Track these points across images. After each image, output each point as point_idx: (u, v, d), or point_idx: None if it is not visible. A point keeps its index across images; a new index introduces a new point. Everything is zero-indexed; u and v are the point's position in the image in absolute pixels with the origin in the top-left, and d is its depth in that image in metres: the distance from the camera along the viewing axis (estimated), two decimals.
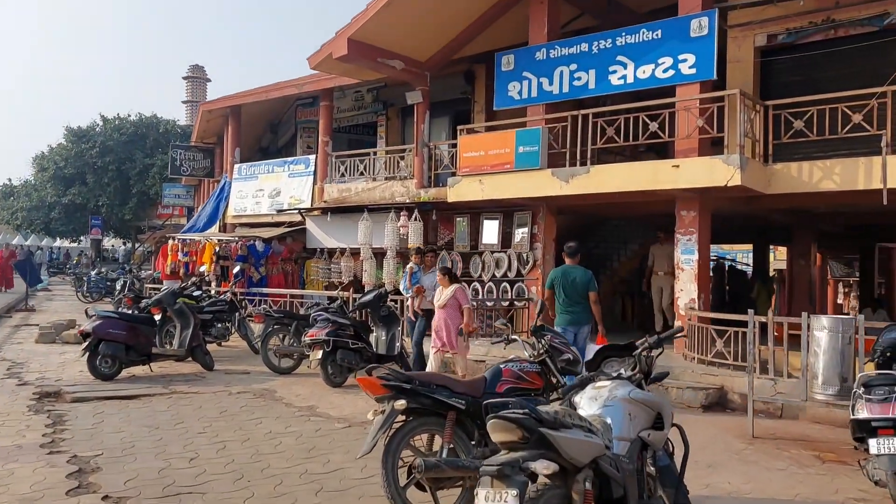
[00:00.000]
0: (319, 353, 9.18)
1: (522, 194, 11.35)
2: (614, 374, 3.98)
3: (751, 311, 8.01)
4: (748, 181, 9.34)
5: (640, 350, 4.04)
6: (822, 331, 6.53)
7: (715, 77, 10.29)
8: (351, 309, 10.67)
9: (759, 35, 11.60)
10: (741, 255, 28.58)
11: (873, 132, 9.24)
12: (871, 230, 16.26)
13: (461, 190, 12.10)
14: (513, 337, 5.55)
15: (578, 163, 10.85)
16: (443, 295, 8.68)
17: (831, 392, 6.42)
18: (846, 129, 9.37)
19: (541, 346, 5.16)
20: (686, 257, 10.54)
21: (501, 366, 4.97)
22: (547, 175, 10.98)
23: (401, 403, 4.42)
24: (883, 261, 19.29)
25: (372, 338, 9.89)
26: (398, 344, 9.86)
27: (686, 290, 10.50)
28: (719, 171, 9.34)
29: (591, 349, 9.14)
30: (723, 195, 10.39)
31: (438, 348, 8.62)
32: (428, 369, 8.57)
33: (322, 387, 9.25)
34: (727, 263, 21.28)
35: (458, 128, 12.57)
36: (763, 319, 7.61)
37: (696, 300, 10.39)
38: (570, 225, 13.77)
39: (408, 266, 11.02)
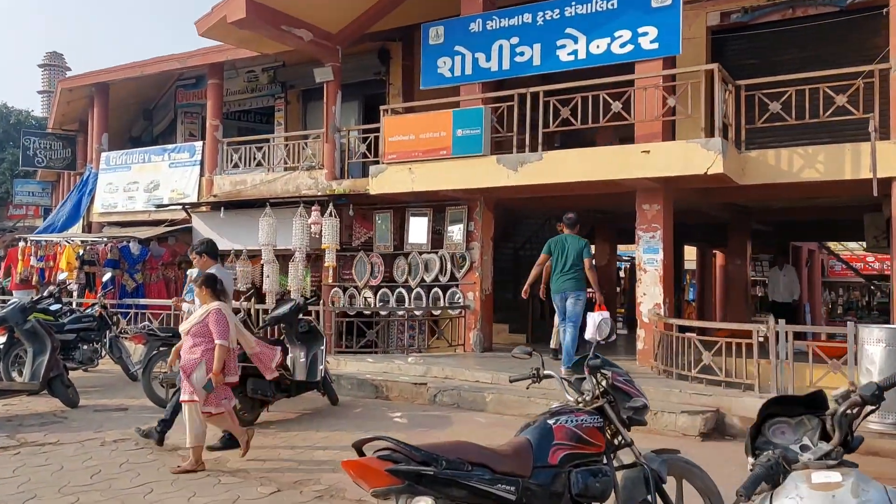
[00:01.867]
0: None
1: (462, 185, 9.73)
2: (799, 448, 2.39)
3: (773, 321, 6.82)
4: (729, 169, 8.18)
5: (841, 409, 2.41)
6: (876, 344, 5.33)
7: (681, 52, 9.11)
8: (259, 325, 8.68)
9: (712, 13, 10.63)
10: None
11: (859, 115, 8.33)
12: (795, 227, 15.93)
13: (386, 180, 10.33)
14: (547, 372, 3.82)
15: (528, 149, 9.37)
16: (192, 316, 6.28)
17: (891, 421, 5.21)
18: (829, 112, 8.40)
19: (598, 387, 3.52)
20: (649, 257, 9.29)
21: (551, 422, 3.30)
22: (491, 163, 9.42)
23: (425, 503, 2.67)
24: (793, 259, 19.25)
25: (288, 360, 7.94)
26: (321, 367, 7.97)
27: (650, 294, 9.25)
28: (698, 158, 8.12)
29: (591, 317, 8.02)
30: (688, 186, 9.23)
31: (187, 399, 5.77)
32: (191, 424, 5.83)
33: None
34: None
35: (382, 108, 10.78)
36: (782, 328, 6.34)
37: (662, 305, 9.16)
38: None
39: (188, 271, 9.07)
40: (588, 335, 9.44)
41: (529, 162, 9.12)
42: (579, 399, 3.59)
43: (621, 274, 21.42)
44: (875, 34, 9.73)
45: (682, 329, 8.50)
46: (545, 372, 3.79)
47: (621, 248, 19.31)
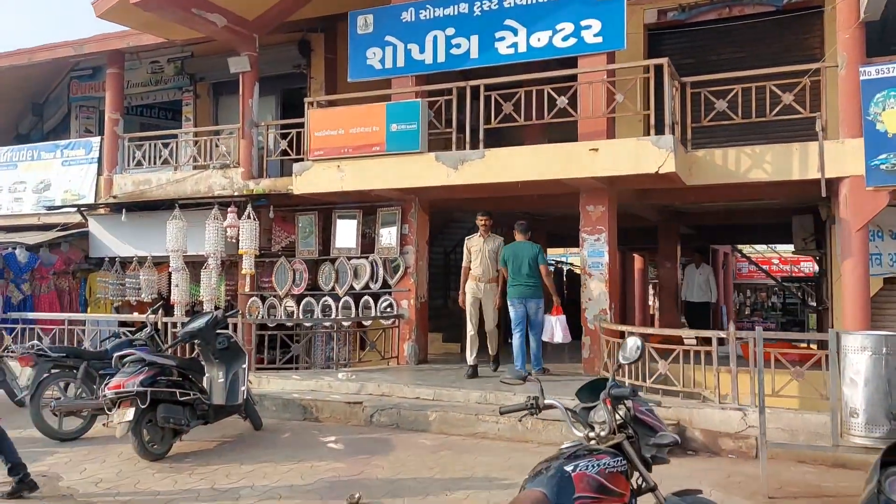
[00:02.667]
0: (130, 413, 6.13)
1: (398, 184, 9.00)
2: None
3: (732, 327, 6.43)
4: (679, 169, 7.82)
5: None
6: (860, 352, 4.97)
7: (626, 47, 8.71)
8: (170, 342, 7.69)
9: (649, 10, 10.37)
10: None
11: (806, 114, 8.15)
12: (720, 231, 16.03)
13: (312, 179, 9.47)
14: (549, 402, 3.13)
15: (468, 146, 8.74)
16: None
17: (878, 434, 4.86)
18: (775, 110, 8.18)
19: (616, 418, 2.87)
20: (594, 260, 8.84)
21: (569, 469, 2.63)
22: (429, 161, 8.74)
23: None
24: (710, 262, 19.50)
25: (205, 381, 6.99)
26: (243, 388, 7.06)
27: (595, 300, 8.80)
28: (649, 156, 7.71)
29: (549, 320, 8.46)
30: (633, 187, 8.86)
31: None
32: None
33: (134, 462, 6.22)
34: (565, 268, 20.43)
35: (307, 100, 9.90)
36: (759, 335, 5.88)
37: (608, 311, 8.73)
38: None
39: None
40: (544, 337, 9.00)
41: (470, 160, 8.50)
42: (590, 434, 2.94)
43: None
44: (811, 34, 9.69)
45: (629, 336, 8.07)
46: (546, 401, 3.13)
47: (552, 252, 19.11)
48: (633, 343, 3.22)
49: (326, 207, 10.51)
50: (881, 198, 7.55)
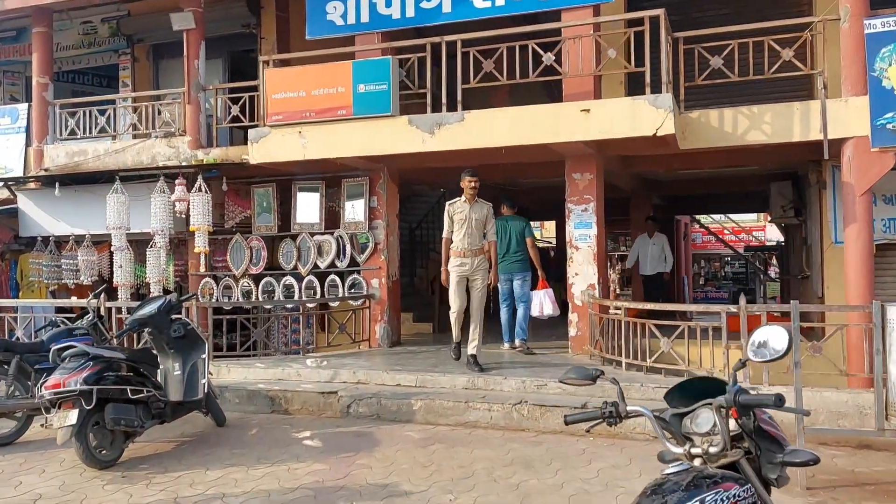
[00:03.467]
0: (73, 416, 5.26)
1: (367, 151, 8.20)
2: None
3: (743, 300, 5.93)
4: (678, 130, 7.24)
5: None
6: None
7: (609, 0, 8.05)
8: (117, 331, 6.80)
9: None
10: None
11: (806, 71, 7.65)
12: (692, 201, 15.69)
13: (270, 147, 8.59)
14: (633, 409, 2.40)
15: (445, 108, 7.99)
16: None
17: None
18: (773, 68, 7.66)
19: (724, 429, 2.20)
20: (581, 232, 8.25)
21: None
22: (402, 125, 7.97)
23: None
24: (671, 232, 19.21)
25: (159, 375, 6.14)
26: (204, 381, 6.23)
27: (583, 274, 8.22)
28: (645, 117, 7.11)
29: (536, 295, 8.17)
30: (623, 152, 8.28)
31: None
32: None
33: (80, 471, 5.37)
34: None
35: (262, 58, 8.97)
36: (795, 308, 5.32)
37: (597, 286, 8.16)
38: None
39: None
40: (534, 312, 8.47)
41: (448, 123, 7.76)
42: (692, 451, 2.29)
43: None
44: None
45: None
46: (630, 408, 2.43)
47: None
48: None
49: (285, 179, 9.64)
50: (887, 159, 7.13)
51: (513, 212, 8.40)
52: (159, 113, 10.61)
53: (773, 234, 29.54)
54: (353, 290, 9.15)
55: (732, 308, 6.34)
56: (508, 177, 10.51)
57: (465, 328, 7.57)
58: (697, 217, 24.18)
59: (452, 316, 7.52)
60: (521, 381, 6.71)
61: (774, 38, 7.65)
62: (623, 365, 7.04)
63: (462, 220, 7.24)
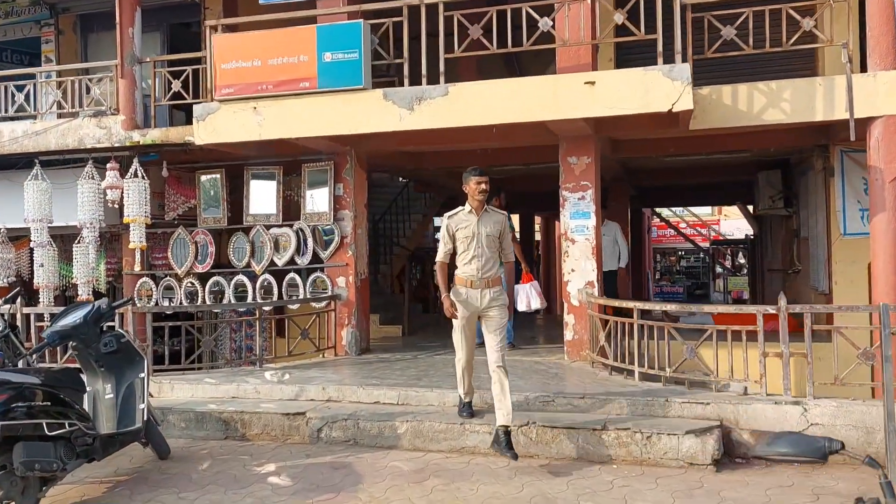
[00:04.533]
0: None
1: (334, 130, 7.08)
2: None
3: (783, 301, 5.08)
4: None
5: None
6: None
7: None
8: (35, 346, 5.58)
9: None
10: None
11: (828, 44, 6.89)
12: (667, 192, 15.00)
13: (220, 125, 7.38)
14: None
15: (425, 81, 6.94)
16: None
17: None
18: (793, 39, 6.86)
19: None
20: (578, 223, 7.34)
21: None
22: (376, 100, 6.89)
23: None
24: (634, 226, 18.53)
25: (86, 401, 4.94)
26: (143, 406, 5.06)
27: (580, 270, 7.31)
28: (659, 90, 6.21)
29: (520, 289, 7.72)
30: (624, 133, 7.40)
31: None
32: None
33: None
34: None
35: (208, 23, 7.74)
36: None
37: (595, 283, 7.27)
38: None
39: None
40: (520, 307, 7.60)
41: (430, 98, 6.72)
42: None
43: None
44: None
45: (625, 314, 6.67)
46: None
47: None
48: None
49: (237, 164, 8.45)
50: None
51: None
52: (88, 91, 9.23)
53: (727, 228, 29.47)
54: (316, 291, 8.03)
55: (770, 309, 5.49)
56: (488, 164, 9.52)
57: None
58: (658, 210, 23.74)
59: (458, 365, 5.43)
60: (523, 397, 5.74)
61: (793, 5, 6.85)
62: (636, 375, 6.15)
63: (468, 236, 5.17)
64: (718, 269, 25.59)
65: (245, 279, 8.26)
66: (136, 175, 7.96)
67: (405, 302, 9.98)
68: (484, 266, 5.16)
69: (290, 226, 8.16)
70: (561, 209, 7.41)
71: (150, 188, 8.15)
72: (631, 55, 8.27)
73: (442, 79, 6.81)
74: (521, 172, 10.90)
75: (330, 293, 7.94)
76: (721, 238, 26.93)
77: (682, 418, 5.40)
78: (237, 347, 8.48)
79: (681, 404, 5.46)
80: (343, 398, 6.22)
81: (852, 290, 8.06)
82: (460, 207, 5.31)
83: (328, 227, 8.00)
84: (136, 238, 8.07)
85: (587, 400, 5.64)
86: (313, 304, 7.95)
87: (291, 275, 8.12)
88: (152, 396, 5.90)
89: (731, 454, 5.25)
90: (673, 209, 24.35)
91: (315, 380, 6.56)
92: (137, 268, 8.49)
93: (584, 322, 7.19)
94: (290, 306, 8.15)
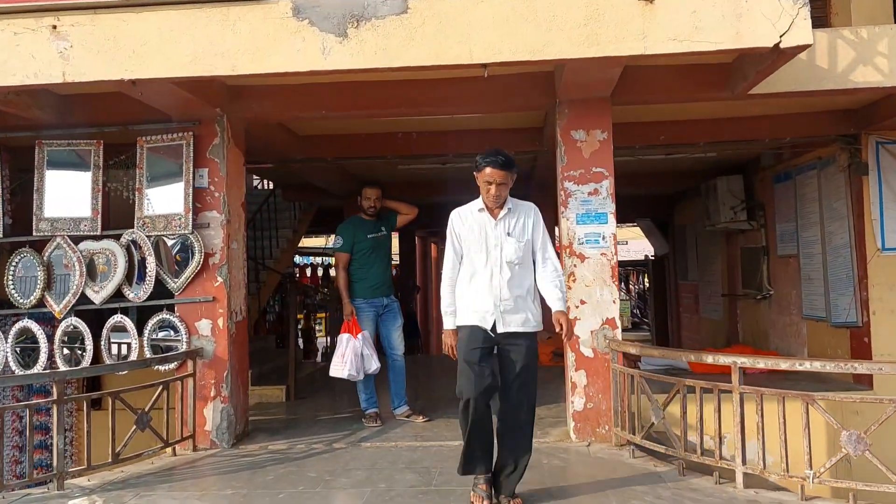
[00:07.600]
0: None
1: (203, 70, 4.00)
2: None
3: None
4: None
5: None
6: None
7: None
8: None
9: None
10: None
11: None
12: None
13: None
14: None
15: None
16: None
17: None
18: None
19: None
20: (589, 230, 4.88)
21: None
22: (280, 17, 3.99)
23: None
24: None
25: None
26: None
27: (593, 302, 4.81)
28: (758, 16, 3.90)
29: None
30: (661, 98, 5.12)
31: None
32: None
33: None
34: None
35: None
36: None
37: (618, 322, 4.81)
38: None
39: None
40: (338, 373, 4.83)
41: (378, 17, 3.94)
42: None
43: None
44: None
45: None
46: None
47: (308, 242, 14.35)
48: None
49: (21, 136, 5.12)
50: None
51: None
52: None
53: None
54: (161, 343, 4.88)
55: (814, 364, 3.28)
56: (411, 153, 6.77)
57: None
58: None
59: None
60: None
61: None
62: (716, 475, 3.72)
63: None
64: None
65: (34, 326, 4.92)
66: None
67: (290, 349, 6.94)
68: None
69: (117, 237, 4.95)
70: (561, 210, 4.89)
71: None
72: None
73: None
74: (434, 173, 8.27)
75: (186, 347, 4.81)
76: (622, 260, 25.67)
77: None
78: (23, 452, 5.06)
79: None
80: None
81: (894, 321, 6.29)
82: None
83: (184, 237, 4.89)
84: None
85: None
86: (157, 368, 4.77)
87: (118, 317, 4.90)
88: None
89: None
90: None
91: None
92: None
93: (603, 381, 4.68)
94: (118, 372, 4.92)
